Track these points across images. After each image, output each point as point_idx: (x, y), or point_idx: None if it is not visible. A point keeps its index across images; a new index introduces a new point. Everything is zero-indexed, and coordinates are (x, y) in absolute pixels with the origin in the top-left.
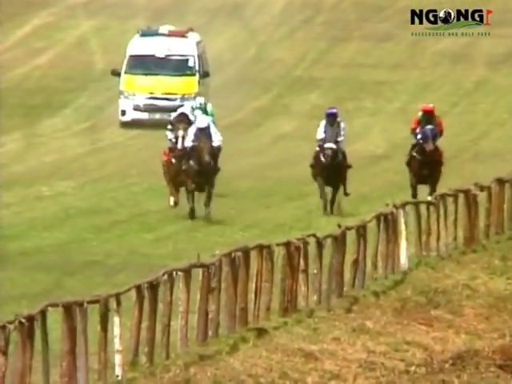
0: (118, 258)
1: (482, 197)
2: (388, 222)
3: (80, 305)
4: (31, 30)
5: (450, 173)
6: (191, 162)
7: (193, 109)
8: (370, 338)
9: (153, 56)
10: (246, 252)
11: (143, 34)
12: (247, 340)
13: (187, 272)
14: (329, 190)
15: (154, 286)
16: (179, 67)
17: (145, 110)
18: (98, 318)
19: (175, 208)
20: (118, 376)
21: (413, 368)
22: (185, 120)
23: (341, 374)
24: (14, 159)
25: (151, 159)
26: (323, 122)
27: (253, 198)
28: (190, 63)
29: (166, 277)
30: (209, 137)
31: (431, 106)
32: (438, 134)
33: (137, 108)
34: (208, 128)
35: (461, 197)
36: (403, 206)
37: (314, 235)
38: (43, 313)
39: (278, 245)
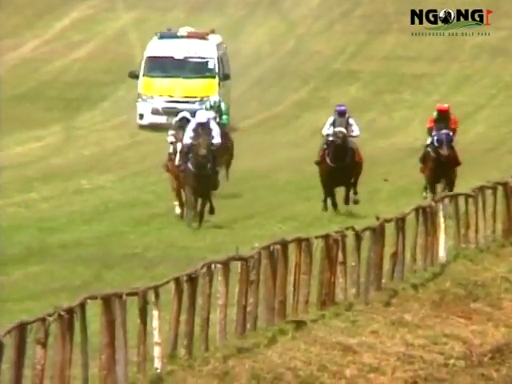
0: (157, 250)
1: None
2: (427, 215)
3: (119, 297)
4: (70, 23)
5: (488, 165)
6: (189, 165)
7: (207, 108)
8: (409, 330)
9: (171, 58)
10: (284, 245)
11: (162, 37)
12: (285, 333)
13: (226, 265)
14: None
15: (192, 279)
16: (199, 69)
17: (164, 113)
18: (137, 311)
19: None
20: (157, 369)
21: (451, 361)
22: (186, 124)
23: (379, 367)
24: (53, 152)
25: None
26: (331, 118)
27: (291, 190)
28: (210, 65)
29: (204, 269)
30: (208, 132)
31: (446, 105)
32: (453, 138)
33: (155, 111)
34: (208, 123)
35: (499, 189)
36: (442, 198)
37: (352, 228)
38: (82, 305)
39: (316, 237)
